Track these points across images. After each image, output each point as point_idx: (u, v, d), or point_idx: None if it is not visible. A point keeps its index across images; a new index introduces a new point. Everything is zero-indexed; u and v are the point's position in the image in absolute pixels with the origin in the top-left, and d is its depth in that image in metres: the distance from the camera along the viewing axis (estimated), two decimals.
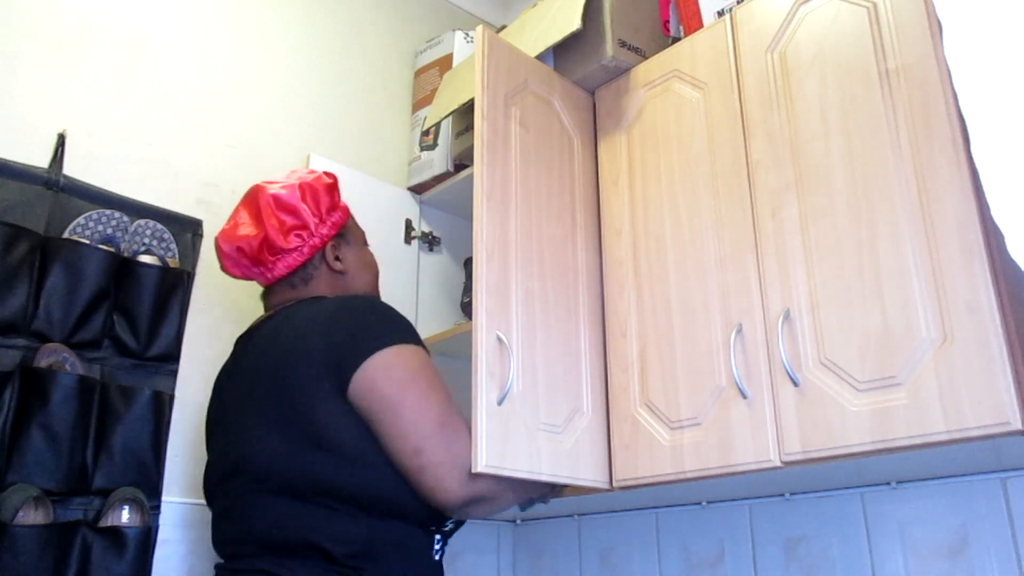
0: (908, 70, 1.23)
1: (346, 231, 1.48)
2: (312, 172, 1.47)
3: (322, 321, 1.26)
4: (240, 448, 1.26)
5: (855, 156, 1.26)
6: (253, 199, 1.41)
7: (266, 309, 1.44)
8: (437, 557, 1.27)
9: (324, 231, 1.42)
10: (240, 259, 1.40)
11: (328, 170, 1.53)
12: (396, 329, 1.27)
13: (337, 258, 1.44)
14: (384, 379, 1.19)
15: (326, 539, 1.17)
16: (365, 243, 1.54)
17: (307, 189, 1.41)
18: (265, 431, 1.23)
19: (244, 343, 1.39)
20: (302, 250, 1.39)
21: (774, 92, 1.38)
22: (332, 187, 1.46)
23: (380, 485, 1.19)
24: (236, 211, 1.44)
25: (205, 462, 1.38)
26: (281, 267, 1.39)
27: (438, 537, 1.26)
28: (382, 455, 1.19)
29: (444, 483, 1.17)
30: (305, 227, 1.39)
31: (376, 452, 1.20)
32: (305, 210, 1.39)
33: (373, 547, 1.18)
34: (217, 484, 1.30)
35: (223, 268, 1.44)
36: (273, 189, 1.39)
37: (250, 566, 1.20)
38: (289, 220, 1.38)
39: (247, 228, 1.39)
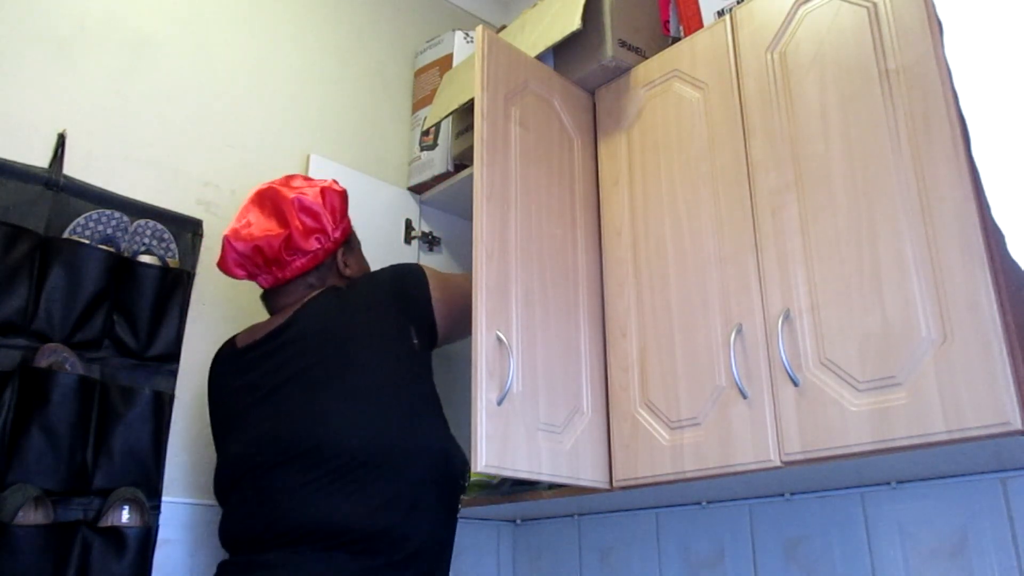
0: (908, 70, 1.23)
1: (351, 237, 1.56)
2: (309, 179, 1.52)
3: (374, 295, 1.39)
4: (301, 429, 1.28)
5: (855, 156, 1.26)
6: (270, 200, 1.45)
7: (273, 309, 1.47)
8: (458, 514, 1.38)
9: (337, 236, 1.48)
10: (255, 258, 1.43)
11: (328, 169, 1.54)
12: (408, 269, 1.46)
13: (345, 263, 1.51)
14: (444, 292, 1.44)
15: (367, 523, 1.21)
16: (360, 248, 1.61)
17: (327, 194, 1.47)
18: (344, 409, 1.28)
19: (275, 334, 1.39)
20: (318, 253, 1.45)
21: (774, 92, 1.38)
22: (345, 195, 1.52)
23: (441, 440, 1.33)
24: (244, 211, 1.46)
25: (207, 461, 1.38)
26: (296, 267, 1.44)
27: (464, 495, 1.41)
28: (440, 409, 1.38)
29: None
30: (323, 231, 1.45)
31: (437, 405, 1.37)
32: (326, 215, 1.45)
33: (412, 525, 1.25)
34: (242, 476, 1.30)
35: (225, 267, 1.45)
36: (294, 192, 1.44)
37: (286, 559, 1.20)
38: (310, 223, 1.44)
39: (264, 227, 1.42)
